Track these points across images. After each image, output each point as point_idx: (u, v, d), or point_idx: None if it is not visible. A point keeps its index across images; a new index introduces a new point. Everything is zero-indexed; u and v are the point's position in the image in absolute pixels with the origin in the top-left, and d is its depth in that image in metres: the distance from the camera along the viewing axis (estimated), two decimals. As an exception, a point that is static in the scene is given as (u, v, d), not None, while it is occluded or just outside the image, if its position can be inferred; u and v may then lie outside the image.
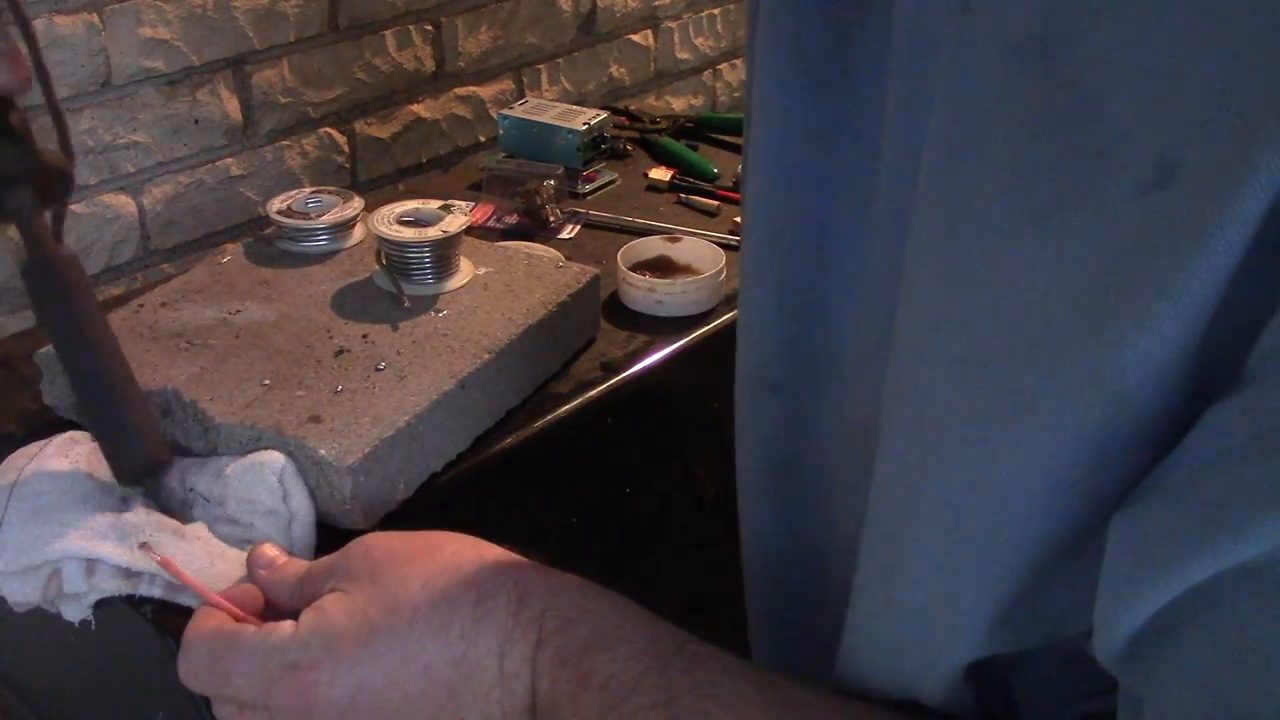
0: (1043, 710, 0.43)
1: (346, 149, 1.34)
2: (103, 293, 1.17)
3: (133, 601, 0.67)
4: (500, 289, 0.87)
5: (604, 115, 1.27)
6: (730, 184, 1.23)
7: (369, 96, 1.34)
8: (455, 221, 0.87)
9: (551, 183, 1.16)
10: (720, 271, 0.99)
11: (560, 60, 1.54)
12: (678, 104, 1.72)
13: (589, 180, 1.24)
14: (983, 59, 0.36)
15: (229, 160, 1.24)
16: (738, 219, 1.14)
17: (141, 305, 0.85)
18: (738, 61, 1.79)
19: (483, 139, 1.47)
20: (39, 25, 1.06)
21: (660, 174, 1.25)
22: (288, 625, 0.49)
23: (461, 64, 1.42)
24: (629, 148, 1.33)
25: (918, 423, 0.40)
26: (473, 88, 1.44)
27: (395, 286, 0.86)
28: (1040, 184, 0.34)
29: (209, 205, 1.24)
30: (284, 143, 1.28)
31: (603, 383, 0.90)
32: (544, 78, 1.52)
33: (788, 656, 0.59)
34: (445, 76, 1.41)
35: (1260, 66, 0.29)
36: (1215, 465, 0.31)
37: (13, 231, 0.66)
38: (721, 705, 0.43)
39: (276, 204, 0.93)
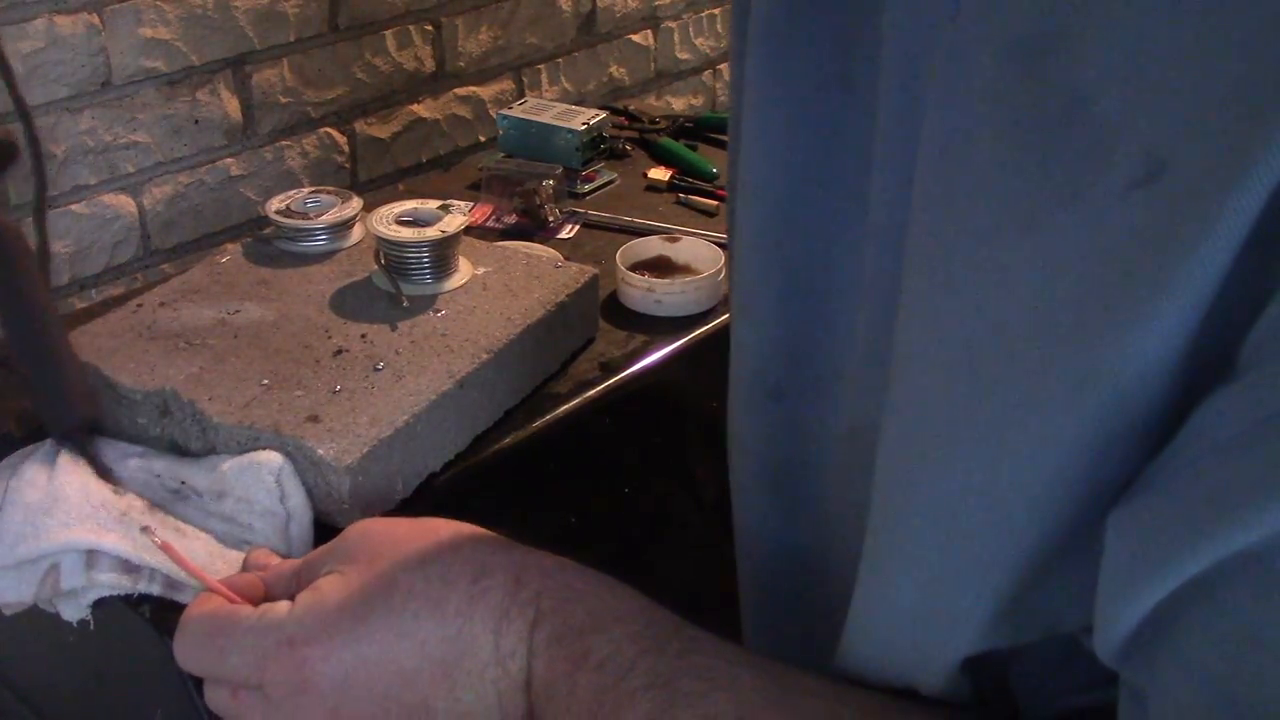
0: (1040, 701, 0.43)
1: (346, 149, 1.34)
2: (103, 293, 1.18)
3: (131, 601, 0.67)
4: (499, 289, 0.88)
5: (603, 115, 1.27)
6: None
7: (369, 96, 1.34)
8: (454, 221, 0.87)
9: (550, 183, 1.16)
10: (719, 271, 0.99)
11: (560, 60, 1.54)
12: (678, 104, 1.72)
13: (588, 180, 1.24)
14: (973, 63, 0.36)
15: (229, 160, 1.24)
16: (737, 219, 1.14)
17: (141, 305, 0.85)
18: (738, 61, 1.79)
19: (482, 139, 1.47)
20: (39, 25, 1.06)
21: (659, 174, 1.25)
22: (283, 604, 0.50)
23: (461, 64, 1.42)
24: (628, 148, 1.33)
25: (915, 422, 0.40)
26: (473, 88, 1.45)
27: (394, 286, 0.86)
28: (1031, 184, 0.34)
29: (209, 205, 1.24)
30: (284, 143, 1.28)
31: (601, 383, 0.90)
32: (544, 78, 1.53)
33: (782, 653, 0.59)
34: (445, 76, 1.41)
35: (1250, 63, 0.29)
36: (1210, 456, 0.31)
37: None
38: (718, 688, 0.42)
39: (276, 204, 0.93)
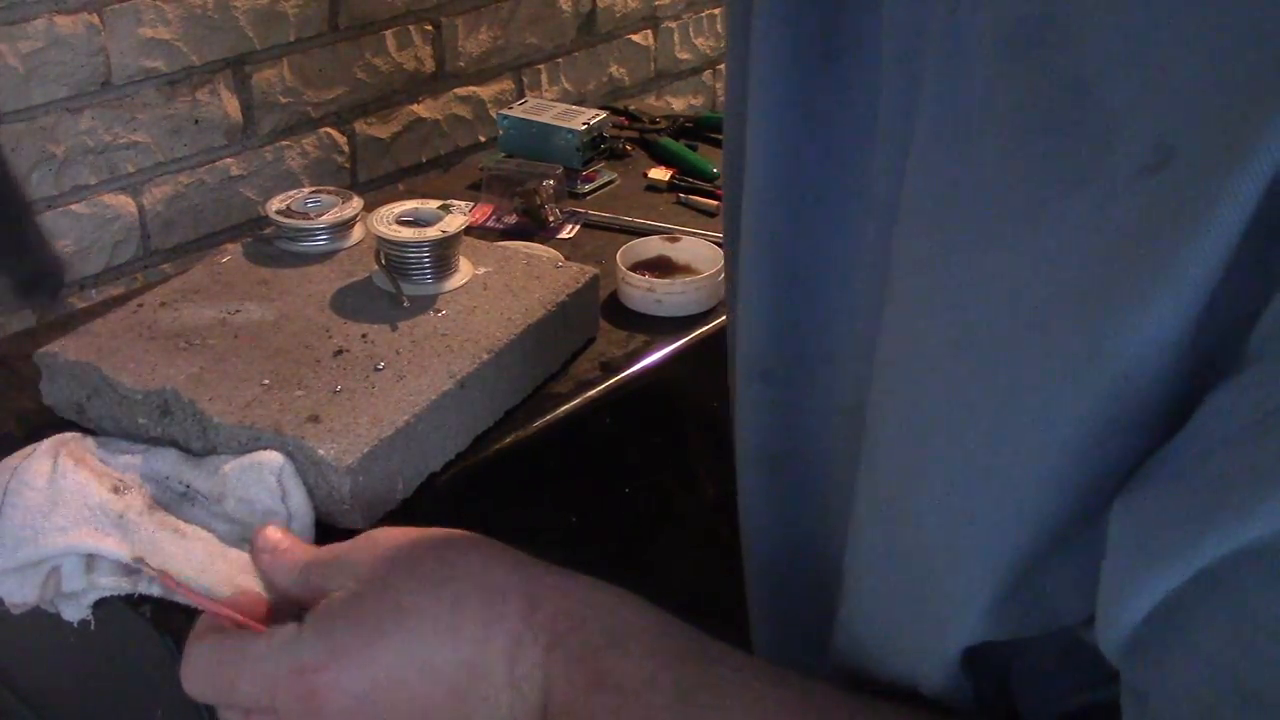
0: (1040, 702, 0.43)
1: (346, 149, 1.34)
2: (103, 292, 1.18)
3: (132, 601, 0.67)
4: (499, 289, 0.88)
5: (603, 115, 1.27)
6: (730, 184, 1.23)
7: (369, 96, 1.34)
8: (454, 221, 0.87)
9: (551, 183, 1.16)
10: (719, 271, 0.99)
11: (560, 60, 1.54)
12: (678, 104, 1.72)
13: (588, 180, 1.24)
14: (974, 50, 0.36)
15: (229, 160, 1.24)
16: (737, 219, 1.14)
17: (141, 305, 0.85)
18: (738, 61, 1.79)
19: (482, 139, 1.47)
20: (39, 25, 1.06)
21: (660, 174, 1.25)
22: (291, 627, 0.49)
23: (461, 64, 1.42)
24: (628, 148, 1.33)
25: (914, 406, 0.40)
26: (473, 88, 1.44)
27: (394, 286, 0.86)
28: (1036, 171, 0.34)
29: (209, 205, 1.24)
30: (284, 143, 1.28)
31: (602, 382, 0.90)
32: (544, 78, 1.53)
33: (788, 644, 0.59)
34: (445, 76, 1.41)
35: (1254, 49, 0.29)
36: (1217, 447, 0.31)
37: None
38: (737, 701, 0.42)
39: (276, 204, 0.93)
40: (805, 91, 0.47)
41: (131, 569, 0.66)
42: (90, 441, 0.75)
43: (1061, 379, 0.34)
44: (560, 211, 1.16)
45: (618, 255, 1.01)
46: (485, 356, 0.80)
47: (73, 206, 1.13)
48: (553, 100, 1.39)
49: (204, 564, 0.66)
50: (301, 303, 0.85)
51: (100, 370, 0.77)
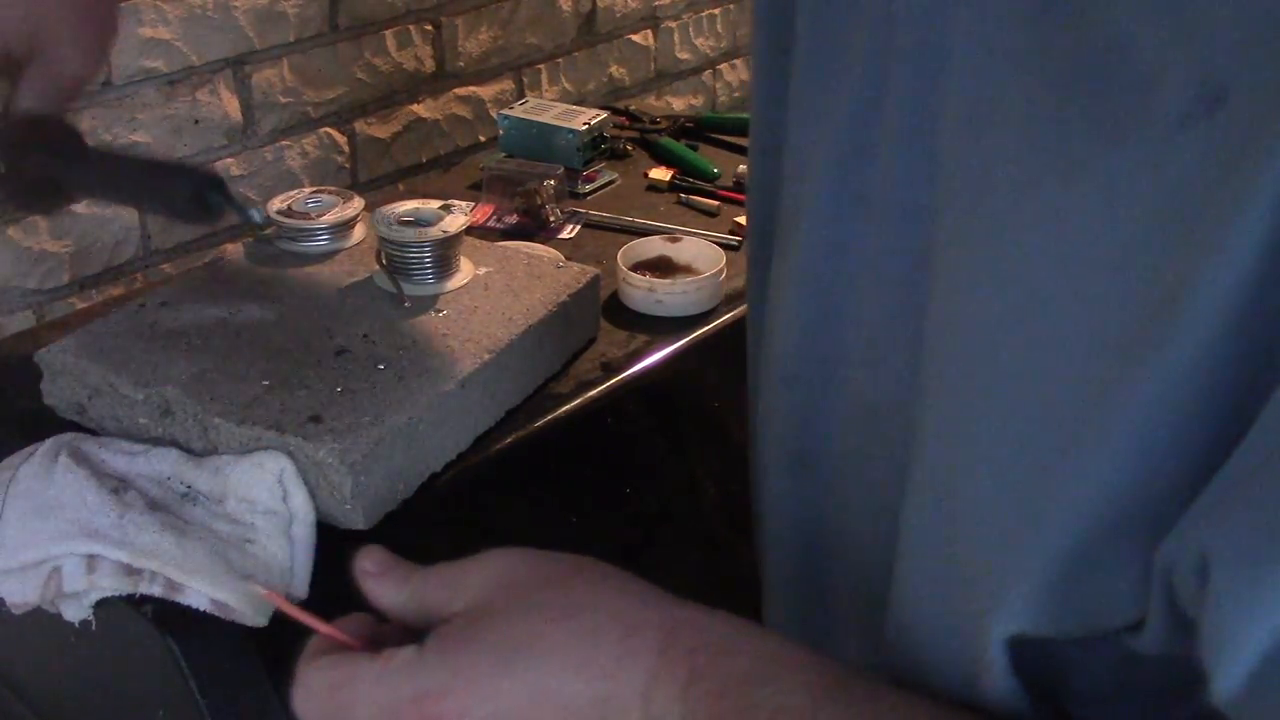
0: None
1: (346, 149, 1.34)
2: (103, 292, 1.17)
3: (133, 601, 0.67)
4: (500, 289, 0.88)
5: (604, 115, 1.27)
6: (731, 184, 1.23)
7: (369, 96, 1.34)
8: (455, 221, 0.87)
9: (551, 183, 1.16)
10: (720, 271, 0.99)
11: (560, 60, 1.54)
12: (678, 104, 1.72)
13: (589, 180, 1.24)
14: (1002, 12, 0.35)
15: (229, 160, 1.24)
16: (738, 219, 1.14)
17: (142, 305, 0.85)
18: (738, 61, 1.79)
19: (483, 139, 1.47)
20: (39, 25, 1.06)
21: (660, 174, 1.25)
22: (410, 650, 0.46)
23: (461, 64, 1.42)
24: (629, 148, 1.33)
25: (966, 387, 0.39)
26: (473, 88, 1.44)
27: (395, 286, 0.86)
28: (1074, 131, 0.33)
29: (209, 205, 1.24)
30: (284, 143, 1.28)
31: (603, 383, 0.90)
32: (544, 78, 1.52)
33: (803, 625, 0.59)
34: (445, 76, 1.41)
35: None
36: None
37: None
38: None
39: (276, 204, 0.93)
40: (854, 106, 0.47)
41: (132, 570, 0.66)
42: (91, 442, 0.75)
43: (1126, 343, 0.33)
44: (561, 211, 1.16)
45: (618, 255, 1.01)
46: (486, 356, 0.80)
47: (73, 206, 1.13)
48: (553, 100, 1.39)
49: (205, 564, 0.66)
50: (302, 303, 0.85)
51: (101, 370, 0.77)
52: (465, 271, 0.89)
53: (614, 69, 1.61)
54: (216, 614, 0.66)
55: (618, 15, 1.58)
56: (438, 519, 0.77)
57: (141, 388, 0.76)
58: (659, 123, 1.38)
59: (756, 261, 0.59)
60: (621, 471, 0.96)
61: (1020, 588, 0.37)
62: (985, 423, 0.38)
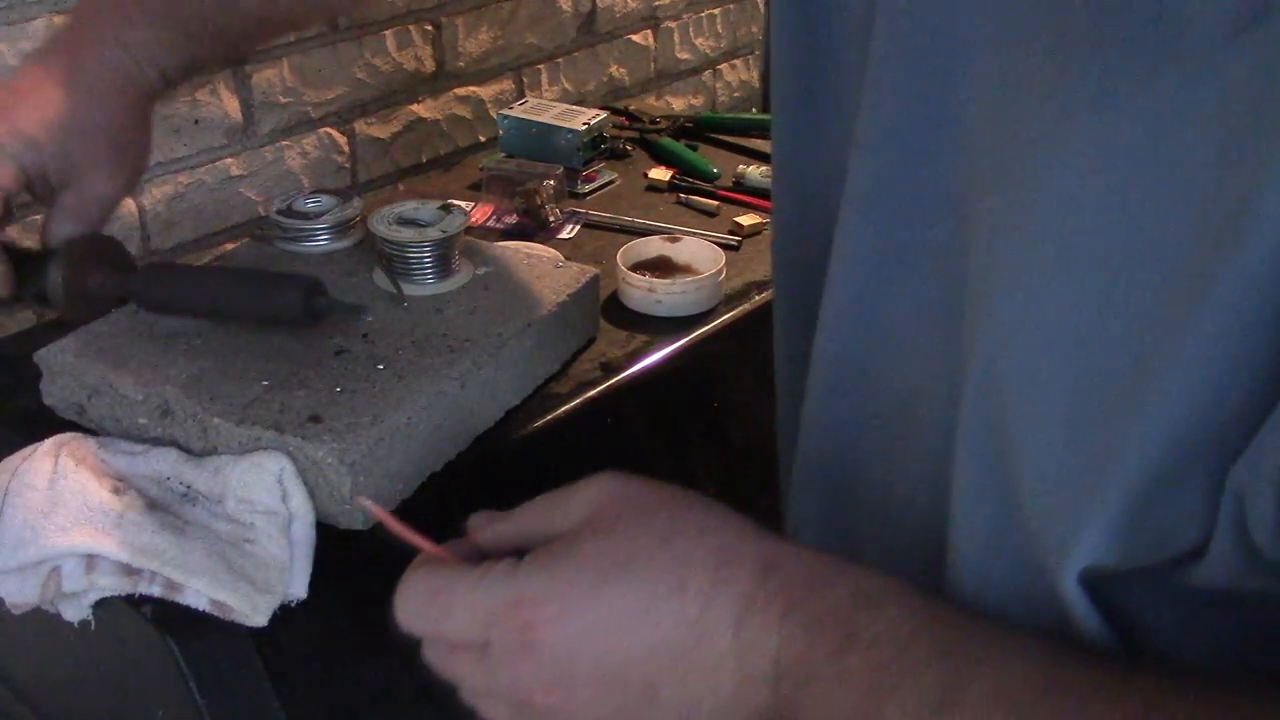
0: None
1: (346, 149, 1.34)
2: (103, 293, 1.17)
3: (132, 601, 0.67)
4: (500, 289, 0.88)
5: (604, 115, 1.27)
6: (730, 184, 1.23)
7: (369, 96, 1.34)
8: (455, 221, 0.87)
9: (551, 183, 1.16)
10: (720, 271, 0.99)
11: (560, 60, 1.54)
12: (678, 104, 1.72)
13: (589, 180, 1.24)
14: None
15: (229, 160, 1.24)
16: (738, 219, 1.14)
17: (141, 305, 0.85)
18: (738, 61, 1.79)
19: (483, 139, 1.47)
20: (39, 25, 1.06)
21: (660, 174, 1.25)
22: (509, 562, 0.46)
23: (461, 64, 1.42)
24: (629, 148, 1.33)
25: (1030, 318, 0.39)
26: (473, 88, 1.44)
27: (395, 286, 0.86)
28: (1112, 67, 0.33)
29: (209, 205, 1.24)
30: (284, 143, 1.28)
31: (602, 383, 0.90)
32: (544, 78, 1.53)
33: (829, 513, 0.59)
34: (445, 76, 1.41)
35: None
36: None
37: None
38: (1010, 653, 0.40)
39: (276, 204, 0.93)
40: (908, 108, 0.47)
41: (131, 569, 0.66)
42: (91, 442, 0.75)
43: (1187, 274, 0.33)
44: (560, 211, 1.16)
45: (618, 255, 1.01)
46: (486, 356, 0.80)
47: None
48: (553, 100, 1.39)
49: (204, 565, 0.66)
50: (302, 303, 0.85)
51: (101, 370, 0.77)
52: (465, 271, 0.89)
53: (614, 69, 1.61)
54: (216, 614, 0.66)
55: (618, 15, 1.58)
56: (438, 519, 0.77)
57: (141, 388, 0.76)
58: (659, 123, 1.38)
59: (797, 268, 0.60)
60: (621, 471, 0.96)
61: (1093, 525, 0.38)
62: (1044, 374, 0.38)
